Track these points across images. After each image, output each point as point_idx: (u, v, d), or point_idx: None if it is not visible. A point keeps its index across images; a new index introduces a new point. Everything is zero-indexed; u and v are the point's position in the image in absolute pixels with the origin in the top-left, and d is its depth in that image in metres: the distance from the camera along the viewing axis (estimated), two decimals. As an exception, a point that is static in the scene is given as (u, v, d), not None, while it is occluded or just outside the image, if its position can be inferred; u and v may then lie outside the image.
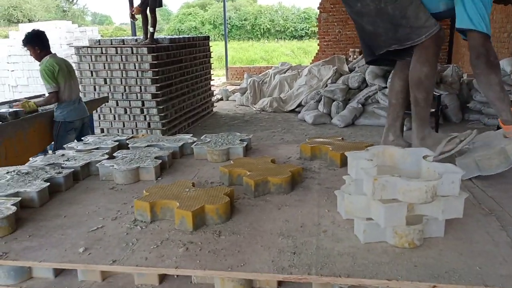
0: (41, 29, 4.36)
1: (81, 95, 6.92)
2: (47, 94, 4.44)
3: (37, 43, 4.21)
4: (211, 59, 8.88)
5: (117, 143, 2.44)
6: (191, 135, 2.56)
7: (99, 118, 6.87)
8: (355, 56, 11.59)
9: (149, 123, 6.73)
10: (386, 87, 7.27)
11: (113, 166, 2.00)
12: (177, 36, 8.08)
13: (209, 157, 2.26)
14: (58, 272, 1.41)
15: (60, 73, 4.25)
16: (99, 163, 2.05)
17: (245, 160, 2.07)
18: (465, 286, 1.14)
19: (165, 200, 1.59)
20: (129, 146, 2.39)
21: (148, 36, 6.71)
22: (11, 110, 4.05)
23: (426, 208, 1.34)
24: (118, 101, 6.74)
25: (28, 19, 31.22)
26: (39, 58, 4.26)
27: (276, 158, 2.21)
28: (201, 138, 2.48)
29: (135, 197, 1.80)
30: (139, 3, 6.66)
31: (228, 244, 1.40)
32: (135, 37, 7.45)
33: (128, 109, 6.75)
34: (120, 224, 1.57)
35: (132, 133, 6.77)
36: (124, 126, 6.80)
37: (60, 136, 4.34)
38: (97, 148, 2.36)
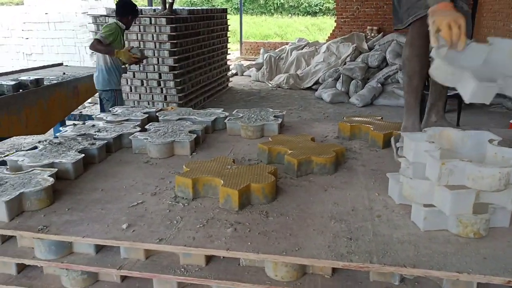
0: None
1: (95, 64, 6.89)
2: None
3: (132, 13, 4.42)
4: (228, 32, 8.69)
5: (146, 115, 2.36)
6: (222, 109, 2.48)
7: (115, 89, 6.77)
8: (372, 34, 11.31)
9: (165, 96, 6.63)
10: (408, 67, 7.09)
11: (147, 139, 1.93)
12: (195, 8, 7.89)
13: (243, 133, 2.18)
14: (99, 248, 1.35)
15: (113, 36, 4.26)
16: (132, 136, 1.97)
17: (284, 137, 1.98)
18: (543, 282, 1.06)
19: (208, 177, 1.52)
20: (159, 118, 2.31)
21: (167, 7, 6.54)
22: (32, 78, 3.97)
23: (495, 197, 1.25)
24: (135, 73, 6.62)
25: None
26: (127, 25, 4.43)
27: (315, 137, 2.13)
28: (233, 113, 2.39)
29: (172, 172, 1.73)
30: None
31: (278, 226, 1.33)
32: (154, 7, 7.28)
33: (144, 81, 6.64)
34: (160, 200, 1.51)
35: (149, 105, 6.69)
36: (140, 98, 6.71)
37: (113, 101, 4.28)
38: (127, 120, 2.28)
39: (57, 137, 1.98)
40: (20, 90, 3.78)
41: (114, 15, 4.45)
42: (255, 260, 1.28)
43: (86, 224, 1.34)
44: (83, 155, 1.73)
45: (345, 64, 8.09)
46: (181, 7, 7.42)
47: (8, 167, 1.67)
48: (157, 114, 2.38)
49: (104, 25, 4.33)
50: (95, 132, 2.04)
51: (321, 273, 1.26)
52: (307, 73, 8.63)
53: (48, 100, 3.99)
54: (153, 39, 6.42)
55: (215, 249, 1.22)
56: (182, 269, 1.28)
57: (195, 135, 2.00)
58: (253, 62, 10.37)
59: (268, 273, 1.25)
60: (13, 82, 3.76)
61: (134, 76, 6.63)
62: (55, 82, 4.22)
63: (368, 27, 12.20)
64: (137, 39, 6.45)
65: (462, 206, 1.22)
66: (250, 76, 9.74)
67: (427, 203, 1.29)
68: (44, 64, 5.86)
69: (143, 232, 1.30)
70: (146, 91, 6.66)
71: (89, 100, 6.56)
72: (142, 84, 6.66)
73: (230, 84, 8.99)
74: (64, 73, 4.90)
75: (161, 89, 6.61)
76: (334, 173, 1.73)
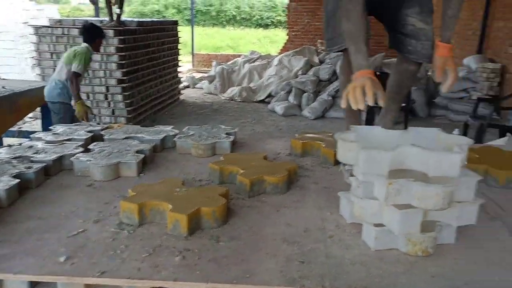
0: None
1: (39, 78, 6.57)
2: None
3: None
4: (179, 44, 8.59)
5: (91, 134, 2.25)
6: (172, 126, 2.41)
7: (60, 103, 6.48)
8: (323, 48, 11.59)
9: (113, 110, 6.42)
10: (356, 80, 7.29)
11: (90, 160, 1.83)
12: (145, 19, 7.74)
13: (193, 152, 2.12)
14: (34, 285, 1.24)
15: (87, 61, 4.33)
16: (74, 157, 1.86)
17: (236, 156, 1.94)
18: (490, 300, 1.07)
19: (155, 201, 1.45)
20: (104, 138, 2.20)
21: (115, 18, 6.37)
22: None
23: (441, 214, 1.27)
24: (80, 86, 6.37)
25: (-22, -5, 29.26)
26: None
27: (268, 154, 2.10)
28: (183, 130, 2.32)
29: (117, 196, 1.64)
30: None
31: (229, 251, 1.28)
32: (101, 19, 7.08)
33: (90, 95, 6.39)
34: (104, 227, 1.42)
35: (95, 120, 6.45)
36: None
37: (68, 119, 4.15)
38: (69, 139, 2.16)
39: (-10, 160, 1.83)
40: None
41: (82, 40, 4.45)
42: (205, 289, 1.22)
43: (19, 258, 1.23)
44: (18, 180, 1.61)
45: (297, 77, 8.21)
46: (130, 19, 7.25)
47: None
48: (102, 132, 2.28)
49: (76, 52, 4.24)
50: (32, 154, 1.91)
51: (275, 299, 1.22)
52: (259, 86, 8.67)
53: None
54: (99, 51, 6.21)
55: (162, 280, 1.15)
56: (126, 303, 1.20)
57: (143, 155, 1.92)
58: (205, 75, 10.30)
59: (220, 302, 1.20)
60: None
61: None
62: (-9, 97, 3.97)
63: (319, 41, 12.48)
64: (83, 51, 6.21)
65: (410, 225, 1.23)
66: (202, 88, 9.66)
67: (377, 223, 1.29)
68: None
69: (83, 264, 1.21)
70: (92, 105, 6.40)
71: (30, 115, 6.25)
72: (88, 98, 6.40)
73: (182, 97, 8.87)
74: (3, 87, 4.63)
75: (109, 102, 6.40)
76: (286, 192, 1.71)
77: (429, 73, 7.78)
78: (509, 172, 1.73)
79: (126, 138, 2.18)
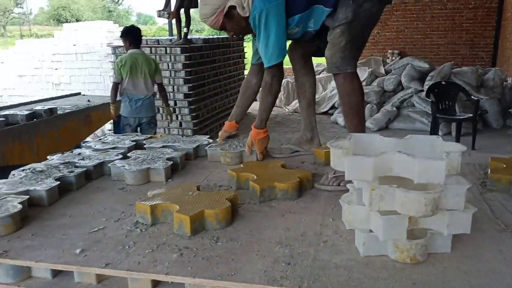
0: (79, 27, 4.64)
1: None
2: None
3: (129, 36, 4.62)
4: (245, 59, 8.88)
5: (134, 143, 2.47)
6: (208, 136, 2.56)
7: (133, 117, 7.00)
8: (393, 58, 11.29)
9: (180, 123, 6.80)
10: (422, 90, 7.02)
11: (124, 166, 2.02)
12: (211, 37, 8.13)
13: (222, 160, 2.24)
14: (56, 273, 1.42)
15: (125, 67, 4.46)
16: (111, 163, 2.07)
17: (255, 163, 2.03)
18: (465, 309, 1.05)
19: (166, 203, 1.58)
20: (144, 146, 2.41)
21: (182, 36, 6.78)
22: (46, 107, 4.19)
23: (430, 222, 1.26)
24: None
25: (76, 19, 32.44)
26: (126, 49, 4.65)
27: (290, 163, 2.17)
28: (217, 140, 2.46)
29: (142, 199, 1.80)
30: (175, 4, 6.74)
31: (223, 251, 1.37)
32: (170, 37, 7.56)
33: (161, 109, 6.83)
34: (121, 226, 1.58)
35: (165, 132, 6.87)
36: (157, 125, 6.89)
37: (119, 128, 4.56)
38: (114, 148, 2.39)
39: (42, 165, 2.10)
40: (34, 120, 4.00)
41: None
42: (199, 285, 1.32)
43: (44, 249, 1.42)
44: (58, 182, 1.83)
45: (361, 88, 8.08)
46: (196, 37, 7.65)
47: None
48: (144, 142, 2.49)
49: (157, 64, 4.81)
50: (78, 160, 2.15)
51: (260, 298, 1.28)
52: (323, 98, 8.66)
53: (60, 129, 4.19)
54: (168, 67, 6.65)
55: (155, 273, 1.27)
56: (129, 293, 1.33)
57: (171, 162, 2.08)
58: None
59: (208, 297, 1.29)
60: (27, 112, 3.99)
61: (151, 104, 6.84)
62: (68, 111, 4.43)
63: (389, 51, 12.21)
64: (153, 68, 6.69)
65: (396, 231, 1.23)
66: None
67: (367, 228, 1.31)
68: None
69: (94, 257, 1.36)
70: (162, 118, 6.85)
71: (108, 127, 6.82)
72: (159, 111, 6.85)
73: (248, 110, 9.10)
74: (88, 100, 5.16)
75: (177, 116, 6.79)
76: (297, 198, 1.76)
77: (505, 82, 7.28)
78: (534, 183, 1.64)
79: (163, 146, 2.36)
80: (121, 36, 4.73)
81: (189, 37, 6.98)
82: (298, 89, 2.41)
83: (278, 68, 2.03)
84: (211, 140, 2.47)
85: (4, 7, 39.29)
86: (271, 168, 1.93)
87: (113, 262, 1.33)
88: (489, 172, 1.79)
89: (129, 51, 4.58)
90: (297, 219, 1.58)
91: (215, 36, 8.45)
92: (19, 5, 41.01)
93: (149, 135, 2.69)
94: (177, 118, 6.82)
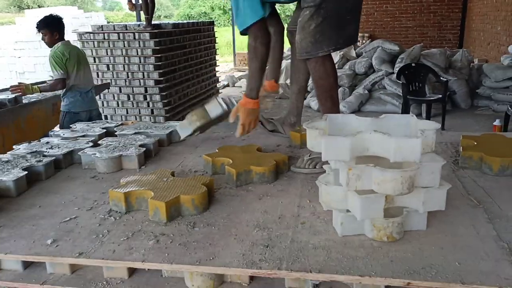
0: (42, 14, 4.26)
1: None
2: (52, 81, 4.28)
3: (55, 27, 4.04)
4: (216, 44, 8.76)
5: (104, 130, 2.40)
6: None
7: (103, 105, 6.81)
8: (363, 41, 11.38)
9: (152, 110, 6.67)
10: (393, 73, 7.10)
11: (95, 154, 1.96)
12: (181, 21, 7.97)
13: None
14: (28, 264, 1.37)
15: (70, 61, 4.08)
16: (81, 151, 2.01)
17: (230, 148, 2.01)
18: (441, 283, 1.07)
19: (140, 190, 1.54)
20: (116, 133, 2.34)
21: (148, 22, 6.62)
22: (11, 96, 4.01)
23: (406, 200, 1.27)
24: (121, 88, 6.67)
25: (38, 5, 31.23)
26: (52, 43, 4.06)
27: (265, 146, 2.15)
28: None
29: (114, 186, 1.75)
30: None
31: (201, 236, 1.35)
32: (138, 23, 7.37)
33: (131, 96, 6.68)
34: (94, 214, 1.53)
35: (136, 119, 6.74)
36: (127, 113, 6.75)
37: (64, 127, 4.26)
38: (83, 136, 2.31)
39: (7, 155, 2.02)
40: (-1, 110, 3.84)
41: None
42: (176, 271, 1.30)
43: (13, 240, 1.37)
44: (25, 172, 1.77)
45: (332, 71, 8.12)
46: (166, 22, 7.49)
47: None
48: (115, 129, 2.42)
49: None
50: (46, 149, 2.07)
51: (239, 281, 1.27)
52: (296, 82, 8.65)
53: (26, 119, 4.04)
54: (137, 53, 6.48)
55: (131, 261, 1.24)
56: (105, 282, 1.30)
57: (144, 149, 2.03)
58: (245, 73, 10.43)
59: (186, 283, 1.27)
60: (-6, 99, 3.83)
61: (120, 91, 6.68)
62: (34, 100, 4.27)
63: (359, 34, 12.29)
64: (122, 54, 6.52)
65: (373, 210, 1.24)
66: (241, 87, 9.79)
67: (344, 209, 1.31)
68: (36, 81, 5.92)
69: (66, 246, 1.32)
70: (133, 106, 6.70)
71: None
72: (129, 99, 6.70)
73: (220, 96, 9.02)
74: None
75: (148, 103, 6.65)
76: (273, 181, 1.75)
77: (473, 64, 7.45)
78: (504, 159, 1.68)
79: (135, 133, 2.30)
80: (45, 28, 4.05)
81: (157, 22, 6.82)
82: (292, 73, 2.32)
83: (258, 29, 1.87)
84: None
85: (-39, -7, 37.44)
86: (247, 152, 1.91)
87: (87, 251, 1.29)
88: (460, 149, 1.82)
89: (62, 43, 4.07)
90: (274, 202, 1.57)
91: (185, 21, 8.29)
92: (-23, -9, 39.22)
93: (120, 122, 2.62)
94: (148, 106, 6.69)
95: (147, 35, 6.39)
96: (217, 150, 1.97)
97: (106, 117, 6.75)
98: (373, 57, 7.65)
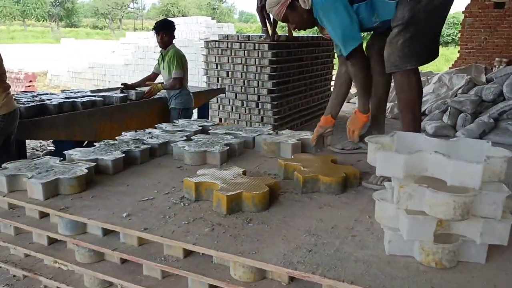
0: (180, 22, 4.81)
1: (205, 84, 7.52)
2: (170, 79, 4.72)
3: (170, 30, 4.55)
4: (334, 59, 8.77)
5: (201, 128, 2.61)
6: (270, 127, 2.62)
7: (219, 108, 7.30)
8: (501, 67, 10.39)
9: (262, 117, 6.94)
10: (526, 102, 6.40)
11: (184, 147, 2.16)
12: (301, 35, 8.16)
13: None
14: (107, 232, 1.58)
15: (184, 63, 4.58)
16: (174, 144, 2.22)
17: (306, 156, 2.05)
18: (478, 319, 0.99)
19: (210, 182, 1.67)
20: (209, 132, 2.54)
21: (270, 34, 6.90)
22: (120, 95, 4.43)
23: (462, 228, 1.19)
24: (237, 94, 7.07)
25: (182, 15, 34.41)
26: (166, 44, 4.54)
27: (346, 159, 2.15)
28: (280, 131, 2.51)
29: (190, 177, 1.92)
30: (257, 2, 6.82)
31: (252, 232, 1.43)
32: (260, 34, 7.74)
33: (245, 102, 7.04)
34: (168, 198, 1.70)
35: (246, 125, 7.06)
36: (239, 117, 7.12)
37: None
38: (181, 130, 2.55)
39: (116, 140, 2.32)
40: (127, 102, 4.39)
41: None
42: (223, 260, 1.39)
43: (98, 209, 1.59)
44: (123, 155, 2.02)
45: (456, 96, 7.58)
46: (286, 34, 7.73)
47: (61, 159, 2.02)
48: (210, 127, 2.62)
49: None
50: (147, 138, 2.33)
51: (279, 279, 1.32)
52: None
53: (148, 112, 4.53)
54: (255, 63, 6.82)
55: (184, 242, 1.37)
56: (163, 258, 1.44)
57: (228, 147, 2.18)
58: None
59: (230, 272, 1.35)
60: (121, 95, 4.39)
61: (236, 97, 7.09)
62: (157, 97, 4.76)
63: (497, 59, 11.23)
64: (241, 63, 6.91)
65: (422, 232, 1.19)
66: (355, 103, 9.63)
67: (395, 227, 1.28)
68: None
69: (137, 221, 1.50)
70: (245, 112, 7.05)
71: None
72: (242, 105, 7.07)
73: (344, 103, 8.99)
74: None
75: (259, 110, 6.94)
76: (340, 193, 1.75)
77: None
78: None
79: (225, 133, 2.47)
80: (163, 30, 4.44)
81: (281, 34, 7.09)
82: (372, 87, 2.35)
83: (356, 55, 2.03)
84: (272, 131, 2.53)
85: (122, 2, 42.96)
86: (321, 162, 1.94)
87: (151, 228, 1.45)
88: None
89: (174, 45, 4.54)
90: (333, 212, 1.58)
91: (305, 35, 8.46)
92: (134, 1, 44.61)
93: (216, 123, 2.81)
94: (259, 113, 6.98)
95: (266, 46, 6.68)
96: (292, 157, 2.03)
97: (220, 120, 7.21)
98: (505, 83, 6.97)
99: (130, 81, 5.34)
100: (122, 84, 4.75)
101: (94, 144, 2.21)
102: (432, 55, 1.97)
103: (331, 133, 2.32)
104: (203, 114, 5.64)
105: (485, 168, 1.13)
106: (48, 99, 3.85)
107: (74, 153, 2.03)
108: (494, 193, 1.15)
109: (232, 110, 7.18)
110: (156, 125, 2.70)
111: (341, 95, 2.37)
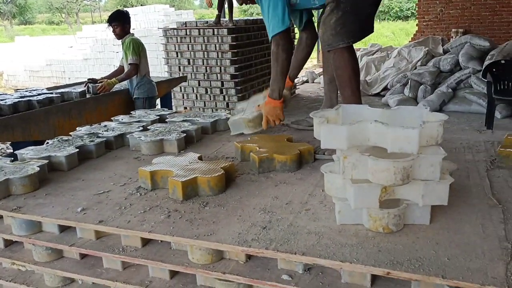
0: (138, 11, 4.70)
1: (166, 74, 7.42)
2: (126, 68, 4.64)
3: (126, 21, 4.49)
4: (295, 40, 8.80)
5: (158, 117, 2.59)
6: (227, 112, 2.62)
7: (183, 97, 7.24)
8: (457, 37, 10.66)
9: (227, 103, 6.93)
10: (480, 71, 6.60)
11: (140, 137, 2.14)
12: (258, 18, 8.13)
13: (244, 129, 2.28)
14: (63, 228, 1.56)
15: (143, 51, 4.53)
16: (130, 134, 2.20)
17: (261, 136, 2.07)
18: (421, 275, 1.04)
19: (164, 170, 1.67)
20: (166, 120, 2.52)
21: (217, 18, 6.87)
22: (78, 90, 4.33)
23: (405, 192, 1.24)
24: (200, 81, 7.03)
25: (141, 4, 33.59)
26: (120, 35, 4.49)
27: (302, 138, 2.18)
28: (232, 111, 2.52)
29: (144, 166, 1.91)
30: None
31: (208, 215, 1.44)
32: (207, 20, 7.68)
33: (208, 89, 7.01)
34: (124, 190, 1.69)
35: (212, 112, 7.03)
36: (205, 105, 7.09)
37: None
38: (138, 121, 2.52)
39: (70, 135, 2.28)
40: (85, 97, 4.29)
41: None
42: (181, 244, 1.40)
43: (52, 206, 1.57)
44: (77, 150, 1.99)
45: (415, 69, 7.76)
46: (245, 18, 7.69)
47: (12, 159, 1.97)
48: (167, 116, 2.60)
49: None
50: (102, 131, 2.30)
51: (236, 258, 1.34)
52: (375, 79, 8.41)
53: (108, 105, 4.44)
54: (215, 49, 6.77)
55: (140, 231, 1.37)
56: (121, 249, 1.44)
57: (185, 134, 2.17)
58: (325, 69, 10.33)
59: (188, 256, 1.36)
60: (80, 90, 4.29)
61: (199, 85, 7.04)
62: (116, 90, 4.67)
63: (453, 30, 11.51)
64: (202, 49, 6.85)
65: (368, 200, 1.23)
66: (320, 83, 9.73)
67: (343, 197, 1.32)
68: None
69: (92, 214, 1.49)
70: (210, 99, 7.03)
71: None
72: (206, 92, 7.04)
73: (297, 91, 9.07)
74: None
75: (224, 96, 6.93)
76: (295, 170, 1.78)
77: None
78: None
79: (183, 121, 2.46)
80: (116, 21, 4.41)
81: (236, 19, 7.05)
82: (323, 64, 2.41)
83: (282, 37, 2.04)
84: (229, 116, 2.54)
85: (77, -5, 41.56)
86: (276, 141, 1.96)
87: (106, 220, 1.44)
88: (499, 148, 1.70)
89: (131, 35, 4.50)
90: (288, 189, 1.61)
91: (257, 18, 8.44)
92: (90, -7, 43.31)
93: (174, 111, 2.80)
94: (224, 99, 6.96)
95: (225, 31, 6.65)
96: (249, 138, 2.04)
97: (185, 109, 7.15)
98: (460, 53, 7.18)
99: (91, 75, 5.23)
100: (89, 79, 4.62)
101: (47, 141, 2.16)
102: (366, 31, 2.01)
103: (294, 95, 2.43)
104: (166, 104, 5.58)
105: (422, 132, 1.17)
106: (1, 100, 3.72)
107: (26, 152, 1.98)
108: (431, 156, 1.20)
109: (196, 98, 7.14)
110: (112, 118, 2.67)
111: (299, 58, 2.43)
